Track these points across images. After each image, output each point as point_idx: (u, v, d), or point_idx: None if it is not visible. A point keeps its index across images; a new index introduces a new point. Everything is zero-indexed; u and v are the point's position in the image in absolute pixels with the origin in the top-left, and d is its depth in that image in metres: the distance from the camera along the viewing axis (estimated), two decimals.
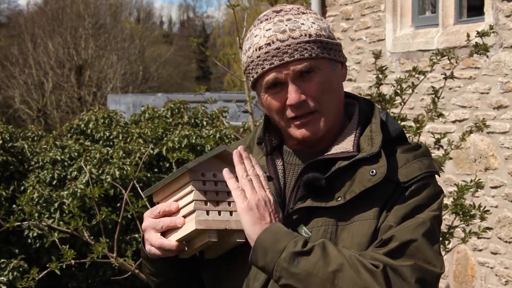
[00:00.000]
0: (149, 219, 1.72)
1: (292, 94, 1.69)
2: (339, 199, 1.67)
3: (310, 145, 1.78)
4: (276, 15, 1.73)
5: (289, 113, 1.72)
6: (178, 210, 1.69)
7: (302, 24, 1.71)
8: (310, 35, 1.70)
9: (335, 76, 1.75)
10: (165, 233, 1.71)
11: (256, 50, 1.71)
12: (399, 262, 1.59)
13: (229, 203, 1.68)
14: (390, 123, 1.79)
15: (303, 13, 1.74)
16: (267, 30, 1.71)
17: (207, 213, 1.65)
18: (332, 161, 1.72)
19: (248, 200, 1.62)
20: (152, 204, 1.80)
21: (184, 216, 1.67)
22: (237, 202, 1.63)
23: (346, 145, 1.74)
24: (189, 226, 1.65)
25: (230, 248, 1.71)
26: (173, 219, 1.68)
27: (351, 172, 1.69)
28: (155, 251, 1.71)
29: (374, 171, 1.67)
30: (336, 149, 1.74)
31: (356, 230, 1.66)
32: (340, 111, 1.79)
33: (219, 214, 1.66)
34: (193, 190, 1.65)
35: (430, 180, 1.72)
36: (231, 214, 1.67)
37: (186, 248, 1.69)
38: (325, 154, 1.74)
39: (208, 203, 1.66)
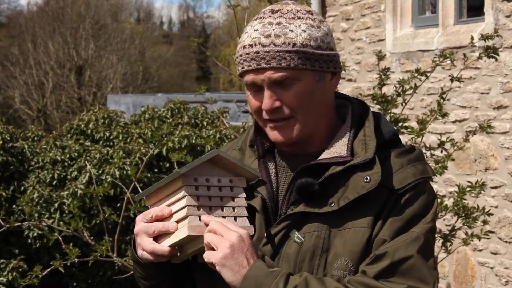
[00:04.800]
0: (141, 223, 1.71)
1: (266, 100, 1.69)
2: (333, 204, 1.66)
3: (301, 147, 1.76)
4: (269, 16, 1.71)
5: (264, 115, 1.72)
6: (170, 215, 1.68)
7: (291, 31, 1.67)
8: (294, 44, 1.66)
9: (319, 87, 1.71)
10: (157, 237, 1.69)
11: (242, 47, 1.71)
12: (391, 284, 1.59)
13: (222, 208, 1.66)
14: (384, 125, 1.77)
15: (299, 18, 1.70)
16: (254, 31, 1.70)
17: (200, 218, 1.64)
18: (325, 166, 1.70)
19: (219, 254, 1.59)
20: None
21: (177, 222, 1.66)
22: (211, 260, 1.60)
23: (339, 149, 1.72)
24: (182, 232, 1.64)
25: None
26: (165, 224, 1.67)
27: (344, 178, 1.68)
28: (147, 256, 1.69)
29: (368, 177, 1.65)
30: (329, 153, 1.72)
31: (350, 237, 1.65)
32: (327, 117, 1.77)
33: None
34: (185, 196, 1.63)
35: (425, 186, 1.71)
36: (224, 219, 1.65)
37: (178, 254, 1.68)
38: (319, 158, 1.72)
39: (201, 209, 1.64)
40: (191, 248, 1.66)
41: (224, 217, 1.65)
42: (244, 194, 1.69)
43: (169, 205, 1.69)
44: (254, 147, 1.82)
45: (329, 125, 1.77)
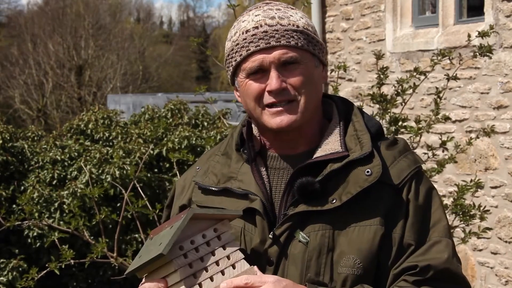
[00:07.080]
0: None
1: (273, 80, 1.68)
2: (334, 201, 1.65)
3: (292, 146, 1.76)
4: (266, 5, 1.75)
5: (268, 98, 1.70)
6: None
7: (291, 15, 1.72)
8: (298, 26, 1.70)
9: (316, 73, 1.74)
10: None
11: (242, 33, 1.71)
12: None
13: (217, 263, 1.59)
14: (368, 119, 1.78)
15: (292, 9, 1.76)
16: (256, 16, 1.72)
17: (200, 285, 1.56)
18: (321, 164, 1.69)
19: None
20: (152, 205, 1.76)
21: None
22: None
23: (333, 146, 1.72)
24: None
25: None
26: None
27: (343, 174, 1.68)
28: None
29: (369, 171, 1.65)
30: (324, 151, 1.71)
31: (356, 235, 1.65)
32: (318, 110, 1.78)
33: (212, 280, 1.57)
34: (177, 269, 1.55)
35: (421, 175, 1.74)
36: (222, 274, 1.59)
37: None
38: (314, 156, 1.71)
39: (197, 274, 1.56)
40: None
41: (222, 271, 1.59)
42: (233, 237, 1.63)
43: (163, 277, 1.59)
44: (241, 151, 1.81)
45: (318, 120, 1.78)
